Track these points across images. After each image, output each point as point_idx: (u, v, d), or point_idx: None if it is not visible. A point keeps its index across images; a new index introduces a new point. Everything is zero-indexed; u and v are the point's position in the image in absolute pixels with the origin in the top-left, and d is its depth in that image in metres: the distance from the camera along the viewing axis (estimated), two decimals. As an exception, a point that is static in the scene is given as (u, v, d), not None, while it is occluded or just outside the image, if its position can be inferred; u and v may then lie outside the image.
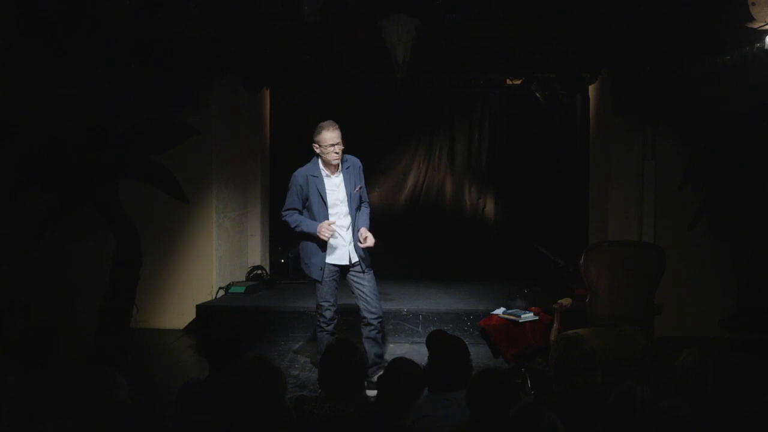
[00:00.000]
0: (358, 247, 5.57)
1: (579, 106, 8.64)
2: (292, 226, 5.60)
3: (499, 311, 5.91)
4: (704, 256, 7.19)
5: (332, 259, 5.60)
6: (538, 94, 8.10)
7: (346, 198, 5.59)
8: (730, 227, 7.14)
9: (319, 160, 5.57)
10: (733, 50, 5.57)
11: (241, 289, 7.86)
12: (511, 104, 9.04)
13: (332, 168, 5.56)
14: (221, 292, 7.88)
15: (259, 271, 8.51)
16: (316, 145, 5.51)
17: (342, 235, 5.59)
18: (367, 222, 5.70)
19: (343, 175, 5.60)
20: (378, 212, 9.20)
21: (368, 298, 5.61)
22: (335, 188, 5.59)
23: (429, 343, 4.21)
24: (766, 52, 5.24)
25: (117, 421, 3.04)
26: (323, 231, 5.44)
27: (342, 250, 5.60)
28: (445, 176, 9.26)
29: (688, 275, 7.07)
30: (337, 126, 5.50)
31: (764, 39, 5.21)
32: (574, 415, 3.04)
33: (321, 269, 5.56)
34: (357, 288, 5.65)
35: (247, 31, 6.53)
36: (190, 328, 7.50)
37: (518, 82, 8.18)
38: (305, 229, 5.54)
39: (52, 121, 6.67)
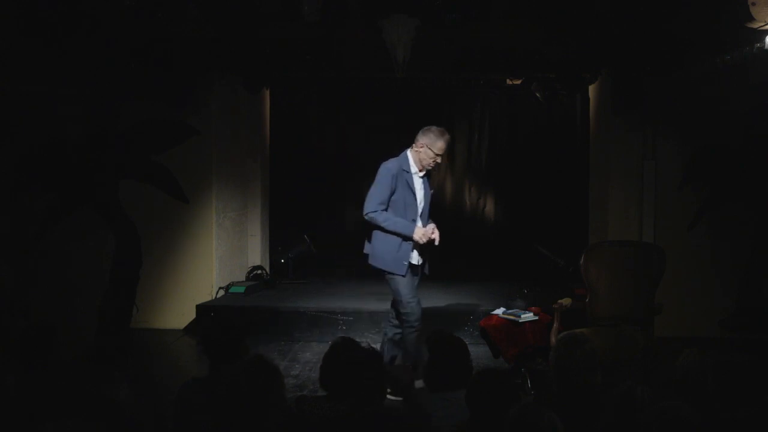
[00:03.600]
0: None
1: (579, 106, 8.65)
2: (383, 224, 5.36)
3: (499, 311, 5.91)
4: (704, 256, 7.19)
5: (411, 257, 5.48)
6: (538, 94, 8.10)
7: (424, 200, 5.53)
8: (730, 227, 7.14)
9: (410, 155, 5.47)
10: (733, 50, 5.57)
11: (241, 289, 7.86)
12: (511, 104, 9.04)
13: (421, 168, 5.47)
14: (221, 292, 7.88)
15: (259, 271, 8.51)
16: (423, 146, 5.39)
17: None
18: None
19: (424, 178, 5.54)
20: (378, 212, 9.23)
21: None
22: (419, 189, 5.50)
23: (429, 344, 4.20)
24: (766, 52, 5.24)
25: (117, 421, 3.04)
26: (421, 236, 5.37)
27: (417, 250, 5.51)
28: (445, 176, 9.25)
29: (688, 275, 7.06)
30: (447, 137, 5.46)
31: (764, 39, 5.21)
32: (574, 415, 3.04)
33: (405, 264, 5.43)
34: None
35: (247, 31, 6.52)
36: (190, 328, 7.50)
37: (518, 82, 8.18)
38: (401, 231, 5.37)
39: (52, 121, 6.67)
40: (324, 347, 3.67)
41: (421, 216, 5.54)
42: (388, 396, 4.98)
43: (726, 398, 3.10)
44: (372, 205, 5.39)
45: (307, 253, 8.95)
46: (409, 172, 5.44)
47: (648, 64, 6.50)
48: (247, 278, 8.42)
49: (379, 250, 5.48)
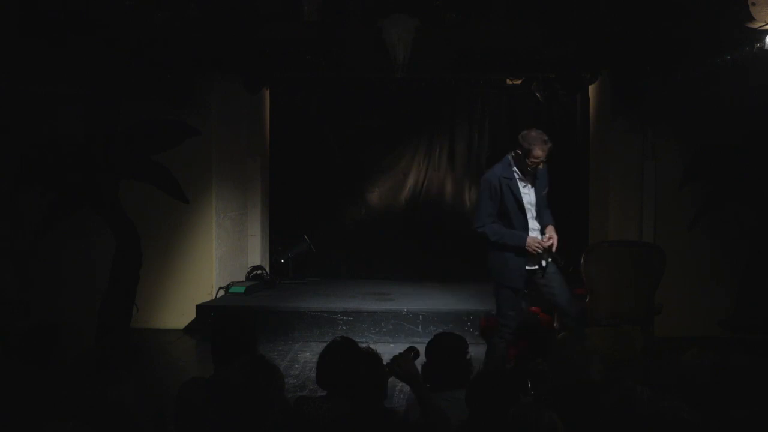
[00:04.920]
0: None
1: (579, 106, 8.64)
2: (493, 239, 5.19)
3: (499, 311, 5.89)
4: (704, 256, 7.19)
5: (529, 264, 5.24)
6: (538, 94, 8.11)
7: (535, 201, 5.31)
8: (730, 227, 7.13)
9: (512, 160, 5.24)
10: (733, 50, 5.57)
11: (241, 289, 7.86)
12: (511, 104, 9.03)
13: (524, 172, 5.25)
14: (221, 292, 7.88)
15: (259, 271, 8.51)
16: (520, 152, 5.18)
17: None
18: (552, 221, 5.41)
19: (536, 178, 5.29)
20: (378, 212, 9.25)
21: (561, 295, 5.27)
22: (527, 191, 5.28)
23: (429, 344, 4.19)
24: (766, 52, 5.25)
25: (117, 422, 3.04)
26: (534, 246, 5.14)
27: (537, 256, 5.24)
28: (445, 176, 9.25)
29: (688, 275, 7.06)
30: (547, 144, 5.18)
31: (764, 39, 5.22)
32: (573, 414, 3.04)
33: (521, 276, 5.22)
34: (546, 289, 5.30)
35: (247, 31, 6.53)
36: (190, 328, 7.50)
37: (518, 82, 8.18)
38: (510, 243, 5.17)
39: (52, 121, 6.67)
40: (324, 347, 3.67)
41: (537, 218, 5.30)
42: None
43: (726, 398, 3.10)
44: (480, 220, 5.24)
45: (307, 253, 8.95)
46: (511, 178, 5.22)
47: (648, 64, 6.50)
48: (247, 278, 8.42)
49: (491, 262, 5.31)
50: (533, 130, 5.24)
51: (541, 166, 5.22)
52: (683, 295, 6.96)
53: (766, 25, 5.22)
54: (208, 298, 7.70)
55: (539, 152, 5.16)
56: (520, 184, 5.25)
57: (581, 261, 5.76)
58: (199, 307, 7.44)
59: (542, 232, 5.29)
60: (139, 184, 6.98)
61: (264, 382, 3.07)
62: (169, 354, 6.95)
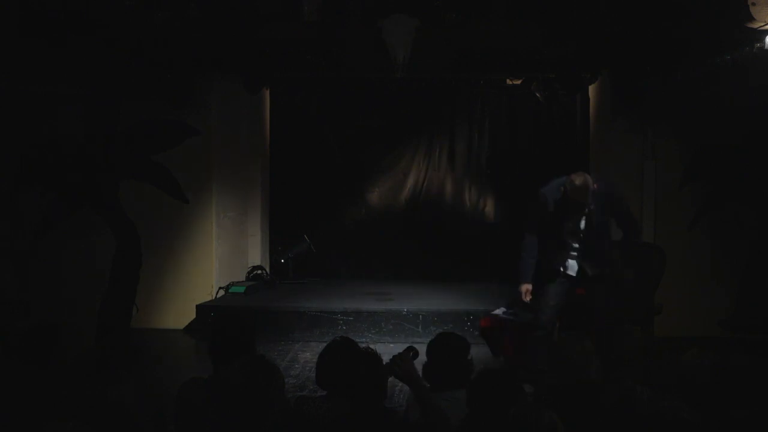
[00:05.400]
0: (596, 267, 5.33)
1: (579, 106, 8.64)
2: (521, 252, 5.42)
3: (499, 311, 5.90)
4: (704, 256, 7.19)
5: (564, 266, 5.37)
6: (538, 94, 8.11)
7: (583, 229, 5.26)
8: (730, 227, 7.13)
9: (563, 186, 5.21)
10: (733, 50, 5.58)
11: (241, 289, 7.86)
12: (511, 104, 9.04)
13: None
14: (221, 292, 7.88)
15: (259, 271, 8.52)
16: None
17: (570, 256, 5.37)
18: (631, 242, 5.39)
19: (590, 209, 5.19)
20: (378, 212, 9.26)
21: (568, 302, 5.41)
22: (572, 217, 5.26)
23: (430, 344, 4.19)
24: (766, 52, 5.25)
25: (117, 422, 3.04)
26: (523, 294, 5.34)
27: (572, 266, 5.37)
28: (445, 176, 9.26)
29: (688, 275, 7.06)
30: (587, 187, 5.06)
31: (764, 39, 5.22)
32: (573, 414, 3.04)
33: (554, 277, 5.37)
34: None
35: (247, 31, 6.53)
36: (190, 328, 7.50)
37: (518, 82, 8.19)
38: (519, 268, 5.38)
39: (52, 121, 6.67)
40: (324, 347, 3.67)
41: (586, 248, 5.29)
42: None
43: (726, 398, 3.10)
44: (526, 225, 5.45)
45: (307, 253, 8.96)
46: (557, 200, 5.23)
47: (648, 64, 6.50)
48: (247, 278, 8.42)
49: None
50: (578, 177, 5.11)
51: (579, 200, 5.15)
52: (683, 295, 6.96)
53: (766, 25, 5.23)
54: (208, 298, 7.70)
55: (571, 193, 5.11)
56: (569, 207, 5.22)
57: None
58: (199, 307, 7.44)
59: (594, 264, 5.30)
60: (139, 184, 6.98)
61: (264, 382, 3.07)
62: (169, 354, 6.95)
